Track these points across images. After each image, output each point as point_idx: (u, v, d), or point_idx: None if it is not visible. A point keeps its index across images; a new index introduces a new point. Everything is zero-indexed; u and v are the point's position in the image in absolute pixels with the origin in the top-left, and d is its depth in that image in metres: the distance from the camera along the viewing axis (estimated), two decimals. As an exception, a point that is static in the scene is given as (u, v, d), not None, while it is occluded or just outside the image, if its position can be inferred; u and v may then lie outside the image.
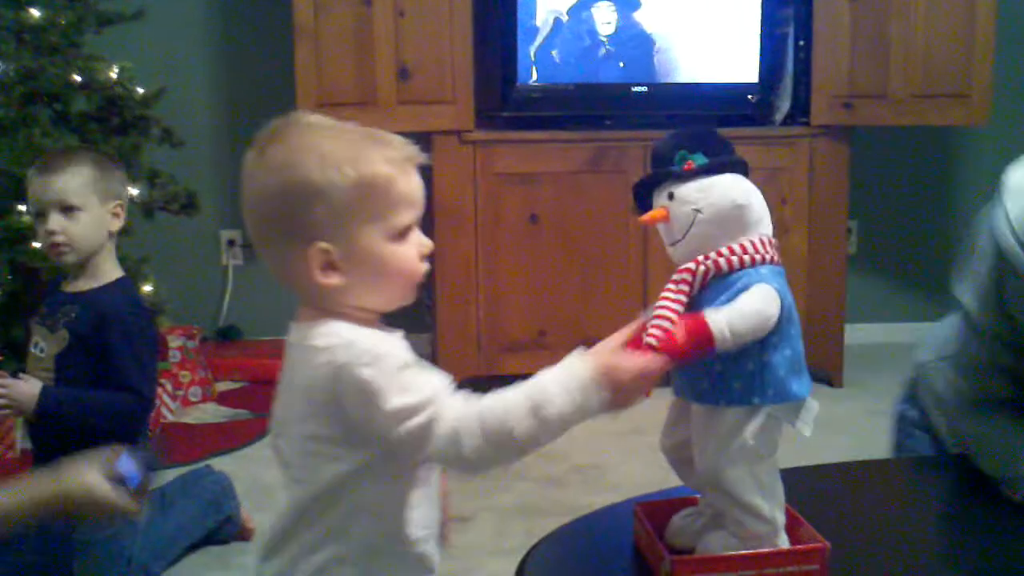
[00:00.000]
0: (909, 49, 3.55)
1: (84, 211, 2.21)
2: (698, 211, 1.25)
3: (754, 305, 1.20)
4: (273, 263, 1.23)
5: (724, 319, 1.18)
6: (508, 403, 1.16)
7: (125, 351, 2.21)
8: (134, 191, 3.11)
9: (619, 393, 1.16)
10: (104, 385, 2.21)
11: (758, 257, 1.24)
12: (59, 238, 2.21)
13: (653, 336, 1.20)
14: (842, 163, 3.66)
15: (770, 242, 1.26)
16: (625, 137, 3.51)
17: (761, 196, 1.28)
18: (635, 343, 1.22)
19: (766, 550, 1.26)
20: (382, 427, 1.15)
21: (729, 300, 1.21)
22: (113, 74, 3.23)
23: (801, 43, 3.66)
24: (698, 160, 1.26)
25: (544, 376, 1.17)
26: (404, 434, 1.14)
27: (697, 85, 3.63)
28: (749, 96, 3.66)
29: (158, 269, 3.24)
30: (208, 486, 2.56)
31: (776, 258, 1.26)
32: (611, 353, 1.18)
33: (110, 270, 2.30)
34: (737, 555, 1.25)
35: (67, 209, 2.20)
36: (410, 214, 1.23)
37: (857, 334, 4.06)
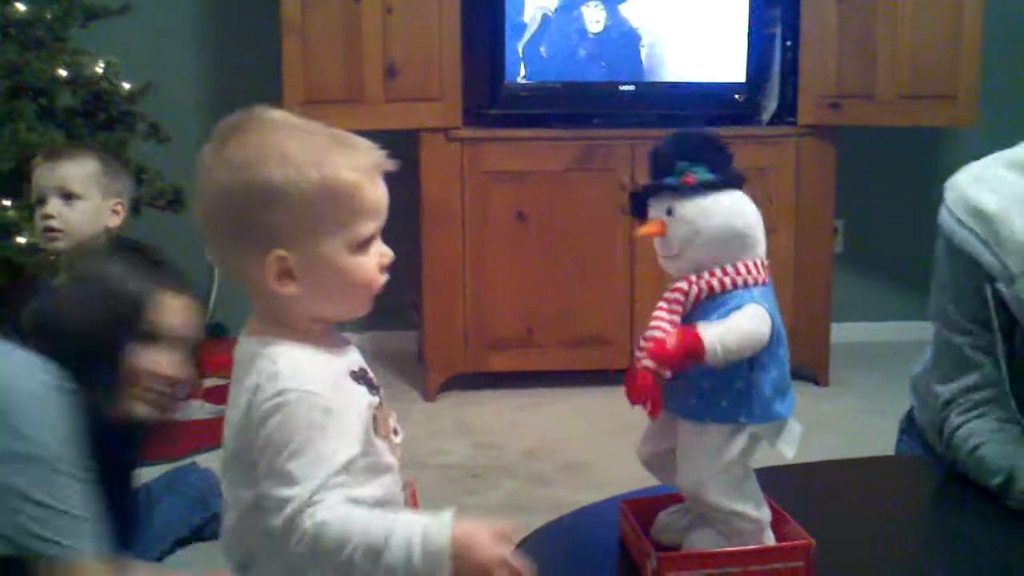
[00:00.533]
0: (896, 50, 3.56)
1: (84, 200, 2.24)
2: (697, 232, 1.24)
3: (747, 324, 1.21)
4: (226, 263, 1.19)
5: (716, 334, 1.19)
6: (359, 533, 1.08)
7: None
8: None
9: (467, 570, 1.08)
10: None
11: (750, 279, 1.25)
12: (54, 223, 2.22)
13: (648, 356, 1.21)
14: (829, 163, 3.67)
15: (763, 264, 1.27)
16: (613, 135, 3.51)
17: (760, 218, 1.28)
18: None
19: (752, 547, 1.26)
20: (260, 480, 1.11)
21: (720, 319, 1.22)
22: (99, 69, 3.22)
23: (788, 43, 3.67)
24: (699, 174, 1.25)
25: (404, 521, 1.10)
26: (272, 513, 1.09)
27: (685, 84, 3.64)
28: (736, 95, 3.66)
29: (144, 265, 3.22)
30: (194, 483, 2.55)
31: (767, 279, 1.27)
32: (478, 531, 1.09)
33: None
34: (723, 552, 1.26)
35: (67, 196, 2.22)
36: (373, 224, 1.17)
37: (843, 333, 4.07)
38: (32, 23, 3.12)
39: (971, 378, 1.64)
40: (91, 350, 1.59)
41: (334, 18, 3.41)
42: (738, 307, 1.22)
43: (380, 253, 1.18)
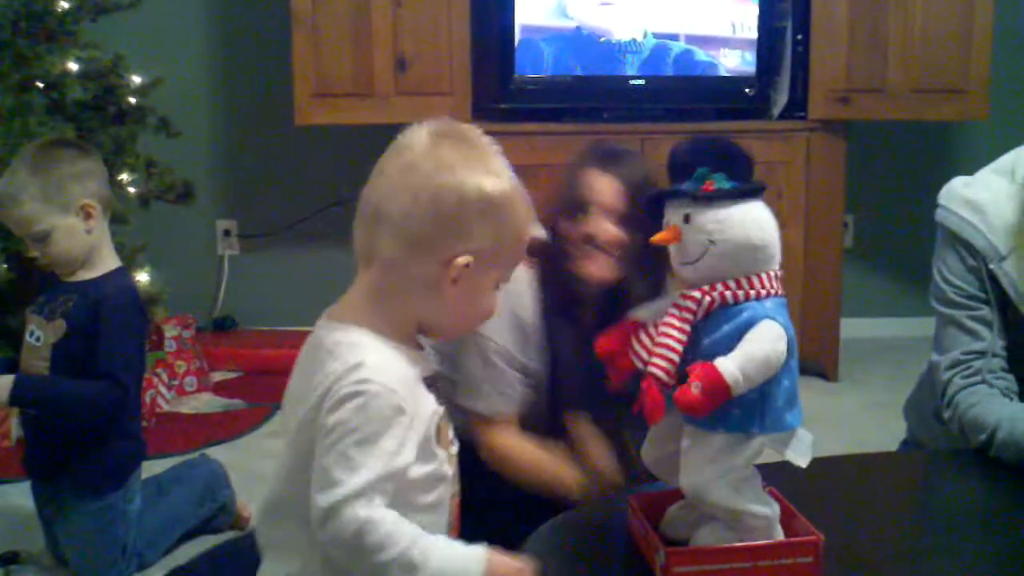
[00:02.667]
0: (907, 44, 3.55)
1: (52, 231, 2.16)
2: (712, 243, 1.24)
3: (764, 349, 1.19)
4: (390, 247, 1.20)
5: (736, 367, 1.17)
6: (403, 545, 1.13)
7: (111, 336, 2.20)
8: (128, 177, 3.11)
9: None
10: (88, 371, 2.19)
11: (764, 292, 1.24)
12: (44, 261, 2.21)
13: (657, 367, 1.22)
14: (839, 157, 3.66)
15: (777, 276, 1.26)
16: (622, 130, 3.50)
17: (777, 230, 1.27)
18: (618, 340, 1.23)
19: (760, 542, 1.26)
20: (318, 456, 1.15)
21: (733, 329, 1.21)
22: (109, 63, 3.22)
23: (799, 37, 3.66)
24: (719, 182, 1.24)
25: (443, 547, 1.16)
26: (321, 491, 1.13)
27: (695, 78, 3.63)
28: (747, 89, 3.66)
29: (154, 258, 3.23)
30: (203, 475, 2.56)
31: (780, 291, 1.26)
32: (508, 567, 1.18)
33: (107, 260, 2.28)
34: (731, 547, 1.26)
35: (37, 239, 2.17)
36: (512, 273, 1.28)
37: (853, 328, 4.07)
38: (42, 17, 3.13)
39: (973, 344, 1.82)
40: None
41: (344, 11, 3.41)
42: (751, 320, 1.21)
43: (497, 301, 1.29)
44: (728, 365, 1.17)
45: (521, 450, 1.90)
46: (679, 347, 1.22)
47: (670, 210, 1.28)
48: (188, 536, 2.48)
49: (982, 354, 1.82)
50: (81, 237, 2.20)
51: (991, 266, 1.82)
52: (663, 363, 1.21)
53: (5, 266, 2.89)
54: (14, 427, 3.02)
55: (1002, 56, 3.73)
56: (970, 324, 1.84)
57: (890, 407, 2.29)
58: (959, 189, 1.90)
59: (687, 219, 1.25)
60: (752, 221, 1.25)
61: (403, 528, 1.14)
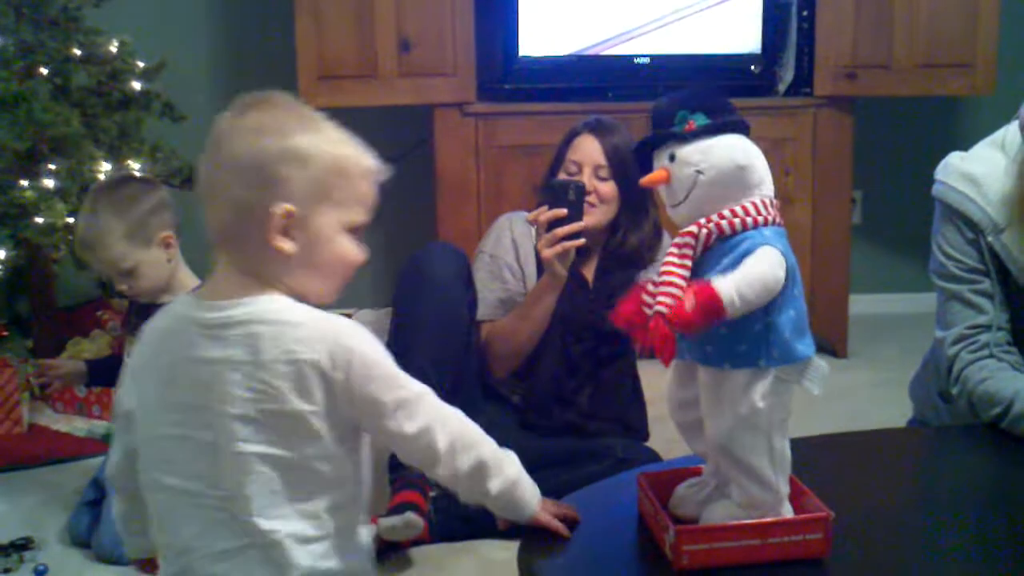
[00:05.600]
0: (913, 18, 3.53)
1: (138, 266, 2.28)
2: (700, 172, 1.24)
3: (761, 270, 1.19)
4: (224, 223, 1.24)
5: (732, 286, 1.17)
6: (489, 440, 1.34)
7: None
8: (136, 165, 3.11)
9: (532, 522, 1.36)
10: None
11: (760, 219, 1.23)
12: (130, 293, 2.34)
13: (662, 304, 1.20)
14: (846, 133, 3.64)
15: (772, 203, 1.26)
16: (628, 108, 3.48)
17: (763, 156, 1.27)
18: (634, 303, 1.22)
19: (770, 519, 1.26)
20: (386, 413, 1.25)
21: (733, 262, 1.21)
22: (113, 48, 3.22)
23: (804, 13, 3.63)
24: (699, 120, 1.25)
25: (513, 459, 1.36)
26: (409, 428, 1.26)
27: (700, 56, 3.61)
28: (752, 67, 3.64)
29: (161, 244, 3.23)
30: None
31: (778, 219, 1.25)
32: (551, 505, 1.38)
33: (185, 281, 2.37)
34: (741, 524, 1.26)
35: (124, 274, 2.28)
36: (366, 215, 1.29)
37: (861, 304, 4.06)
38: (46, 2, 3.12)
39: (977, 318, 1.84)
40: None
41: (347, -7, 3.40)
42: (750, 250, 1.21)
43: (361, 251, 1.31)
44: (723, 283, 1.18)
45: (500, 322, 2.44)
46: (682, 283, 1.21)
47: (657, 157, 1.29)
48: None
49: (987, 327, 1.83)
50: (164, 267, 2.32)
51: (989, 239, 1.83)
52: (667, 300, 1.20)
53: (13, 252, 2.89)
54: (25, 414, 3.04)
55: (1009, 30, 3.70)
56: (973, 298, 1.85)
57: (899, 383, 2.29)
58: (956, 163, 1.91)
59: (672, 158, 1.26)
60: (735, 146, 1.25)
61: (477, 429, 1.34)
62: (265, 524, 1.21)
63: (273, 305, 1.23)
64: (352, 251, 1.29)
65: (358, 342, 1.24)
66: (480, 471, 1.31)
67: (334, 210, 1.25)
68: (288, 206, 1.21)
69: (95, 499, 2.41)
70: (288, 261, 1.24)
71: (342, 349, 1.22)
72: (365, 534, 1.35)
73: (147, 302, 2.35)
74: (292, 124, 1.23)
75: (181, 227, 2.38)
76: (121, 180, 2.47)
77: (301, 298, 1.27)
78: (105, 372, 2.56)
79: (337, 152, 1.25)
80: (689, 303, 1.17)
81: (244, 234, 1.23)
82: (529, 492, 1.36)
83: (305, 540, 1.23)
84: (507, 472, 1.33)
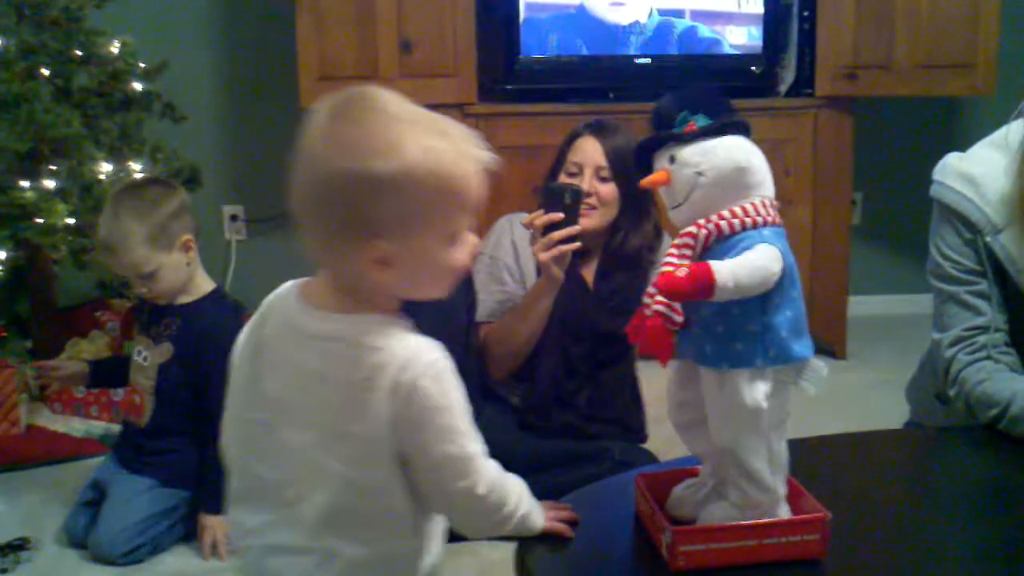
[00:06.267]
0: (914, 19, 3.53)
1: (159, 270, 2.30)
2: (700, 174, 1.24)
3: (757, 260, 1.19)
4: (317, 245, 1.18)
5: (727, 267, 1.17)
6: (513, 495, 1.29)
7: (221, 372, 2.32)
8: (137, 166, 3.11)
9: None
10: (199, 407, 2.35)
11: (760, 219, 1.23)
12: (149, 295, 2.36)
13: (663, 304, 1.21)
14: (846, 134, 3.65)
15: (771, 204, 1.25)
16: (629, 109, 3.48)
17: (763, 157, 1.27)
18: (639, 318, 1.22)
19: (767, 520, 1.26)
20: (431, 462, 1.19)
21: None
22: (114, 49, 3.22)
23: (805, 13, 3.64)
24: (700, 121, 1.25)
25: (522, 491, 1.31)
26: (452, 485, 1.21)
27: (701, 56, 3.61)
28: (753, 67, 3.64)
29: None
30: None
31: (777, 219, 1.25)
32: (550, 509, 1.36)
33: (202, 284, 2.42)
34: (738, 525, 1.26)
35: (145, 277, 2.30)
36: (471, 218, 1.19)
37: (861, 306, 4.06)
38: (47, 3, 3.12)
39: (974, 320, 1.82)
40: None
41: (347, -6, 3.40)
42: (748, 248, 1.20)
43: (471, 243, 1.22)
44: (719, 263, 1.18)
45: (497, 323, 2.45)
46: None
47: (657, 159, 1.29)
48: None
49: (984, 329, 1.82)
50: (183, 270, 2.36)
51: (987, 239, 1.82)
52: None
53: (13, 252, 2.89)
54: (23, 415, 3.04)
55: (1009, 31, 3.70)
56: (970, 299, 1.84)
57: (898, 385, 2.29)
58: (954, 163, 1.90)
59: (673, 160, 1.26)
60: (735, 147, 1.25)
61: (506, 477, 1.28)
62: (323, 536, 1.20)
63: (362, 326, 1.18)
64: (458, 259, 1.19)
65: (428, 379, 1.16)
66: (500, 525, 1.29)
67: (435, 231, 1.15)
68: (381, 243, 1.13)
69: (93, 499, 2.42)
70: (388, 286, 1.18)
71: (407, 383, 1.15)
72: (428, 565, 1.30)
73: (164, 303, 2.37)
74: (380, 140, 1.11)
75: (199, 228, 2.41)
76: (143, 183, 2.48)
77: (406, 299, 1.23)
78: (107, 373, 2.57)
79: (432, 168, 1.12)
80: (682, 271, 1.17)
81: (339, 259, 1.17)
82: (533, 518, 1.33)
83: (356, 563, 1.21)
84: (520, 512, 1.30)
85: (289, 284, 1.27)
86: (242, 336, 1.30)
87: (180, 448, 2.41)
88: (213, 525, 2.35)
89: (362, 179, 1.10)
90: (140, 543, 2.31)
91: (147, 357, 2.41)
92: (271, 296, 1.28)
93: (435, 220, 1.15)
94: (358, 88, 1.16)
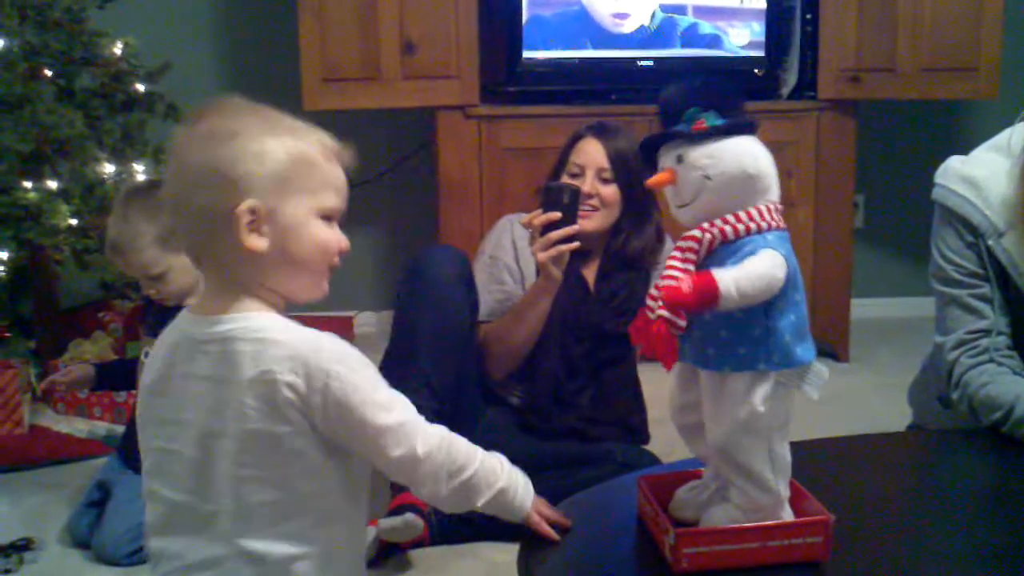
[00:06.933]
0: (917, 22, 3.53)
1: (168, 271, 2.28)
2: (707, 178, 1.23)
3: (761, 267, 1.19)
4: (193, 231, 1.23)
5: (731, 276, 1.17)
6: (478, 458, 1.33)
7: None
8: (139, 167, 3.11)
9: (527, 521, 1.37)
10: None
11: (764, 224, 1.22)
12: (158, 297, 2.33)
13: (665, 308, 1.21)
14: (849, 137, 3.65)
15: (776, 209, 1.25)
16: (631, 111, 3.49)
17: (772, 161, 1.26)
18: (642, 319, 1.22)
19: (770, 522, 1.26)
20: (367, 438, 1.22)
21: (735, 265, 1.20)
22: (117, 50, 3.22)
23: (808, 16, 3.64)
24: (710, 120, 1.23)
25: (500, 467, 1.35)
26: (392, 453, 1.24)
27: (703, 58, 3.61)
28: (756, 70, 3.64)
29: (164, 245, 3.23)
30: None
31: (782, 224, 1.25)
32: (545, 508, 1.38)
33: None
34: (741, 527, 1.26)
35: (155, 278, 2.29)
36: (336, 199, 1.26)
37: (863, 308, 4.06)
38: (50, 4, 3.13)
39: (977, 323, 1.83)
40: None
41: (350, -5, 3.40)
42: (752, 253, 1.20)
43: (340, 237, 1.27)
44: (722, 272, 1.18)
45: (496, 323, 2.45)
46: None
47: (664, 155, 1.27)
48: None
49: (987, 332, 1.82)
50: (191, 272, 2.28)
51: (989, 242, 1.82)
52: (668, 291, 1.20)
53: (16, 253, 2.89)
54: (26, 415, 3.04)
55: (1012, 34, 3.70)
56: (972, 302, 1.84)
57: (900, 387, 2.29)
58: (956, 167, 1.90)
59: (680, 160, 1.24)
60: (745, 151, 1.24)
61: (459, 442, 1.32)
62: (249, 541, 1.20)
63: (255, 322, 1.21)
64: (329, 236, 1.25)
65: (337, 364, 1.20)
66: (465, 492, 1.31)
67: (302, 198, 1.22)
68: (251, 202, 1.18)
69: (96, 500, 2.42)
70: (264, 260, 1.21)
71: (320, 371, 1.18)
72: (358, 549, 1.35)
73: (172, 304, 2.37)
74: (243, 124, 1.21)
75: None
76: (152, 185, 2.46)
77: (289, 298, 1.25)
78: (112, 376, 2.57)
79: (292, 142, 1.22)
80: (686, 285, 1.17)
81: (215, 241, 1.21)
82: (519, 496, 1.36)
83: (290, 558, 1.22)
84: (495, 485, 1.33)
85: (176, 317, 1.32)
86: (145, 372, 1.32)
87: None
88: None
89: (229, 151, 1.19)
90: (144, 543, 2.31)
91: None
92: (166, 329, 1.32)
93: (301, 186, 1.22)
94: (212, 100, 1.26)
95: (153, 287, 2.32)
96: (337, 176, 1.26)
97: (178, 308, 2.36)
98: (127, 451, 2.50)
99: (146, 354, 2.41)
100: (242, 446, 1.19)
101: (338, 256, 1.27)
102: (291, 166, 1.21)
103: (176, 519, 1.25)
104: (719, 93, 1.26)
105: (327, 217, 1.25)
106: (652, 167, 1.30)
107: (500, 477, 1.34)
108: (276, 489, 1.20)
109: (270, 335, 1.19)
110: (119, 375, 2.56)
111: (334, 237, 1.26)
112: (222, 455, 1.20)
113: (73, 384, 2.56)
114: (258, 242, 1.20)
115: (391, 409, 1.24)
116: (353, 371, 1.21)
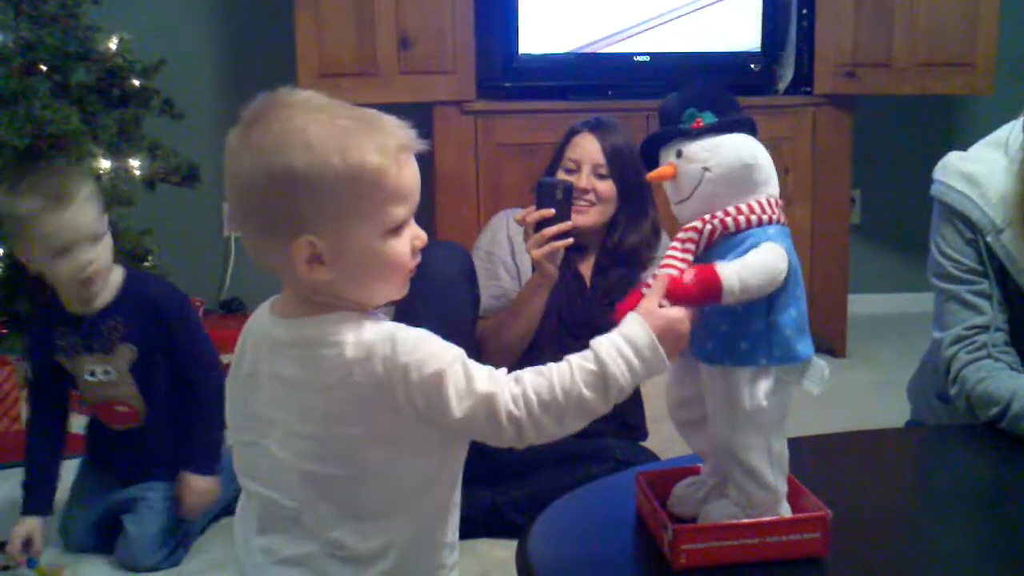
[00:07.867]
0: (913, 17, 3.53)
1: (105, 233, 2.21)
2: (707, 169, 1.24)
3: (763, 261, 1.19)
4: (256, 250, 1.18)
5: (734, 270, 1.17)
6: (570, 375, 1.18)
7: (192, 326, 2.33)
8: (135, 162, 3.10)
9: (674, 346, 1.18)
10: (186, 367, 2.31)
11: (765, 217, 1.23)
12: (94, 267, 2.19)
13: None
14: (845, 132, 3.65)
15: (776, 203, 1.25)
16: (627, 107, 3.48)
17: (769, 156, 1.27)
18: (634, 302, 1.21)
19: (768, 518, 1.26)
20: (454, 416, 1.13)
21: (736, 259, 1.21)
22: (112, 45, 3.21)
23: (804, 11, 3.64)
24: (707, 118, 1.25)
25: (603, 345, 1.17)
26: (479, 422, 1.14)
27: (699, 54, 3.61)
28: (752, 65, 3.64)
29: (160, 241, 3.21)
30: (226, 463, 2.57)
31: (782, 219, 1.25)
32: (658, 312, 1.18)
33: (113, 275, 2.32)
34: (739, 523, 1.26)
35: (95, 238, 2.18)
36: (404, 208, 1.16)
37: (861, 304, 4.06)
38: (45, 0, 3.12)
39: (975, 319, 1.83)
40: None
41: (347, -10, 3.40)
42: (754, 246, 1.20)
43: (414, 236, 1.18)
44: (725, 266, 1.18)
45: (492, 319, 2.44)
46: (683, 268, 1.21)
47: (663, 154, 1.29)
48: (215, 518, 2.53)
49: (985, 328, 1.82)
50: (111, 248, 2.25)
51: (988, 239, 1.82)
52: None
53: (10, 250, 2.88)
54: (23, 411, 3.03)
55: (1009, 29, 3.70)
56: (971, 298, 1.85)
57: (898, 383, 2.29)
58: (955, 163, 1.91)
59: (679, 155, 1.26)
60: (743, 144, 1.25)
61: (540, 373, 1.19)
62: (336, 537, 1.19)
63: (329, 327, 1.16)
64: (401, 251, 1.16)
65: (411, 357, 1.13)
66: (580, 410, 1.17)
67: (365, 223, 1.13)
68: (308, 238, 1.11)
69: (100, 508, 2.41)
70: (332, 284, 1.15)
71: (397, 368, 1.12)
72: (447, 547, 1.29)
73: (88, 311, 2.31)
74: (292, 138, 1.10)
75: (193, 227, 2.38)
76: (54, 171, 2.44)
77: (367, 305, 1.20)
78: (38, 495, 2.45)
79: (347, 159, 1.10)
80: (688, 276, 1.17)
81: (278, 264, 1.16)
82: (643, 360, 1.17)
83: (375, 553, 1.20)
84: (584, 383, 1.17)
85: (264, 303, 1.27)
86: (232, 362, 1.30)
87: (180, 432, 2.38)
88: (201, 489, 2.32)
89: (274, 175, 1.10)
90: (173, 545, 2.33)
91: (109, 371, 2.32)
92: (249, 319, 1.28)
93: (360, 212, 1.12)
94: (271, 93, 1.16)
95: (83, 263, 2.18)
96: (407, 178, 1.15)
97: (101, 313, 2.27)
98: (125, 461, 2.46)
99: (92, 373, 2.33)
100: (325, 447, 1.17)
101: (414, 256, 1.19)
102: (347, 189, 1.11)
103: (266, 514, 1.23)
104: (715, 94, 1.28)
105: (396, 228, 1.15)
106: (652, 167, 1.31)
107: (587, 367, 1.18)
108: (360, 487, 1.18)
109: (348, 337, 1.14)
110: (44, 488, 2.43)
111: (405, 249, 1.17)
112: (306, 455, 1.18)
113: (27, 544, 2.33)
114: (321, 274, 1.14)
115: (468, 382, 1.14)
116: (427, 358, 1.13)
